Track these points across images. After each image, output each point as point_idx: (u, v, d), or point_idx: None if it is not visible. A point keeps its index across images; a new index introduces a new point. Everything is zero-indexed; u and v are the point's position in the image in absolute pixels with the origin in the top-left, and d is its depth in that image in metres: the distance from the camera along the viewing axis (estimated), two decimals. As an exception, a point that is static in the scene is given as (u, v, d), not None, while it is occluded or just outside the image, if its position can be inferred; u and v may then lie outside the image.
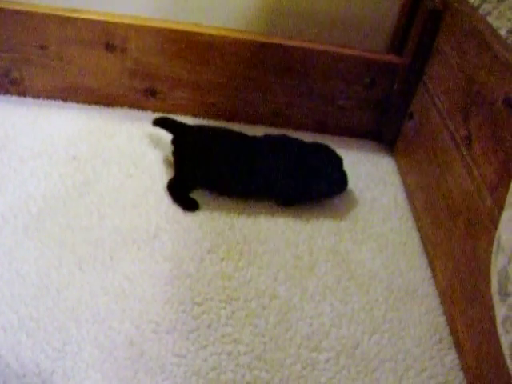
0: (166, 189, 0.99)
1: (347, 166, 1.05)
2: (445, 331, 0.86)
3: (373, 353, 0.82)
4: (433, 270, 0.94)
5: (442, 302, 0.90)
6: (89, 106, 1.14)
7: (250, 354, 0.79)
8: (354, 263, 0.94)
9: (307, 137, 1.16)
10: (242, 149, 0.98)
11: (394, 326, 0.86)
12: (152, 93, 1.12)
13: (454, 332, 0.85)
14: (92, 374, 0.74)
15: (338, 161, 1.01)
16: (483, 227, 0.80)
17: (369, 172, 1.11)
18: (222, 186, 0.99)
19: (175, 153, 1.00)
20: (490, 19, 0.90)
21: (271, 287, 0.88)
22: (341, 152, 1.10)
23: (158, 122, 1.03)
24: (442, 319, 0.88)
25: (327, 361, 0.80)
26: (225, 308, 0.84)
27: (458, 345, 0.84)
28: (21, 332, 0.77)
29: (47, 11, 1.04)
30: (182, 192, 0.98)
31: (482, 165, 0.83)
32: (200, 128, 1.04)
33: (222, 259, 0.90)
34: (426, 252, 0.97)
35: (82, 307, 0.81)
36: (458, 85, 0.91)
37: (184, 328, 0.80)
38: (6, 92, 1.12)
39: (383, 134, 1.16)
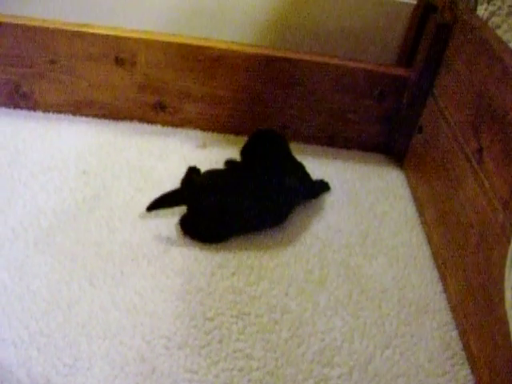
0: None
1: (356, 179, 1.05)
2: (457, 346, 0.85)
3: (385, 368, 0.81)
4: (444, 285, 0.93)
5: (454, 317, 0.89)
6: (98, 120, 1.14)
7: (262, 370, 0.78)
8: (365, 277, 0.93)
9: (317, 150, 1.17)
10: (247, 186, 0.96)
11: (407, 340, 0.85)
12: (161, 107, 1.12)
13: (466, 347, 0.84)
14: (103, 390, 0.74)
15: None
16: (495, 241, 0.80)
17: (378, 185, 1.11)
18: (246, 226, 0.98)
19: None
20: (499, 32, 0.91)
21: (282, 302, 0.87)
22: (350, 166, 1.10)
23: (153, 207, 0.97)
24: (455, 334, 0.87)
25: (340, 376, 0.79)
26: (236, 323, 0.83)
27: (471, 360, 0.83)
28: (32, 347, 0.76)
29: (57, 26, 1.04)
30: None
31: (493, 178, 0.83)
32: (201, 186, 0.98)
33: (233, 274, 0.90)
34: (437, 266, 0.96)
35: (93, 322, 0.80)
36: (469, 98, 0.91)
37: (196, 343, 0.80)
38: (16, 106, 1.12)
39: (392, 147, 1.16)
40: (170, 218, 0.97)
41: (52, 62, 1.07)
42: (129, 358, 0.77)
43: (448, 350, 0.85)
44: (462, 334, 0.86)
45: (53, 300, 0.82)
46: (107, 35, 1.05)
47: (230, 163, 1.09)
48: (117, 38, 1.05)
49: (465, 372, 0.82)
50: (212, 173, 1.00)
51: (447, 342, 0.86)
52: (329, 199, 1.06)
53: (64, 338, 0.78)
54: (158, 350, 0.79)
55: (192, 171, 1.04)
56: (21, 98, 1.11)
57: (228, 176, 0.99)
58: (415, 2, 1.06)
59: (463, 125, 0.92)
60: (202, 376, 0.77)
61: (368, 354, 0.82)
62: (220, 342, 0.81)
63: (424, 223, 1.03)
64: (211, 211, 0.92)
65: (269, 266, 0.92)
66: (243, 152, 1.06)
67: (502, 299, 0.76)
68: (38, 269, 0.86)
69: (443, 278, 0.94)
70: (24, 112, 1.13)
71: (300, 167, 1.05)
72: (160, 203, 0.95)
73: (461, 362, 0.84)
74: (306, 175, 1.04)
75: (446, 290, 0.93)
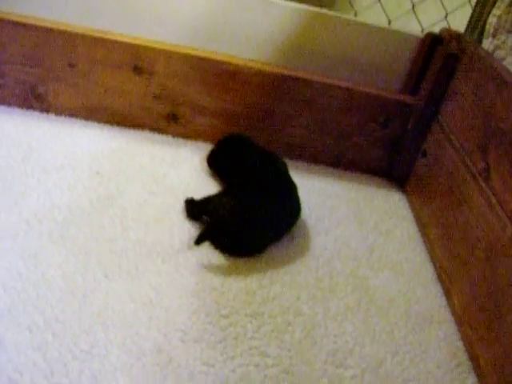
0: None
1: (361, 199, 1.09)
2: (463, 356, 0.88)
3: (396, 372, 0.82)
4: (448, 298, 0.96)
5: (459, 329, 0.91)
6: (110, 126, 1.16)
7: (277, 367, 0.79)
8: (373, 288, 0.96)
9: (321, 170, 1.20)
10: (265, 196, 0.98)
11: (415, 348, 0.87)
12: (174, 118, 1.15)
13: (473, 357, 0.87)
14: (120, 378, 0.72)
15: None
16: (503, 254, 0.84)
17: (381, 206, 1.15)
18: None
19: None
20: (504, 63, 0.97)
21: (295, 305, 0.88)
22: (354, 186, 1.14)
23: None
24: (460, 344, 0.90)
25: (353, 377, 0.80)
26: (251, 322, 0.84)
27: (477, 369, 0.85)
28: (47, 333, 0.75)
29: (79, 31, 1.07)
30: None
31: (501, 194, 0.87)
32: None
33: (246, 276, 0.91)
34: (441, 281, 0.99)
35: (109, 313, 0.80)
36: (476, 121, 0.97)
37: (211, 338, 0.80)
38: (30, 107, 1.13)
39: (395, 171, 1.21)
40: (183, 221, 0.98)
41: (70, 65, 1.09)
42: (145, 349, 0.77)
43: (455, 358, 0.87)
44: (468, 345, 0.88)
45: (68, 289, 0.81)
46: (128, 43, 1.08)
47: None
48: (137, 47, 1.08)
49: (472, 380, 0.84)
50: (220, 195, 1.02)
51: (453, 352, 0.88)
52: (335, 215, 1.09)
53: (80, 325, 0.77)
54: (174, 343, 0.78)
55: (191, 203, 1.01)
56: (35, 100, 1.12)
57: (236, 191, 1.01)
58: (421, 35, 1.13)
59: (470, 146, 0.97)
60: (219, 370, 0.77)
61: (379, 358, 0.84)
62: (235, 338, 0.81)
63: (427, 242, 1.07)
64: (247, 224, 0.94)
65: (280, 272, 0.94)
66: (213, 160, 1.10)
67: (509, 309, 0.80)
68: (53, 259, 0.85)
69: (447, 292, 0.97)
70: (37, 113, 1.14)
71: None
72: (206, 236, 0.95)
73: (467, 370, 0.86)
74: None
75: (450, 303, 0.96)
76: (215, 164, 1.11)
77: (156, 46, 1.08)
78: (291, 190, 1.01)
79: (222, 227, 0.93)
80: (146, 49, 1.08)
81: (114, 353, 0.75)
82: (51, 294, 0.80)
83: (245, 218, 0.93)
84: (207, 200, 0.99)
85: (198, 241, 0.92)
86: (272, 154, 1.07)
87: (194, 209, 0.99)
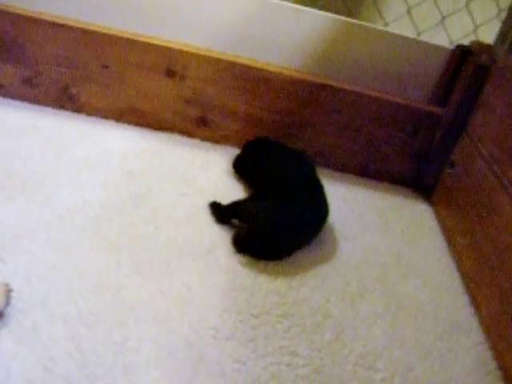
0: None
1: (387, 208, 1.10)
2: (492, 365, 0.87)
3: (426, 377, 0.82)
4: (476, 307, 0.96)
5: (488, 338, 0.91)
6: (140, 128, 1.17)
7: (308, 367, 0.79)
8: (401, 294, 0.95)
9: (347, 179, 1.21)
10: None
11: (444, 354, 0.87)
12: (204, 122, 1.16)
13: (502, 366, 0.86)
14: (152, 371, 0.73)
15: None
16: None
17: (407, 216, 1.15)
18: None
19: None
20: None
21: (324, 307, 0.89)
22: (380, 195, 1.15)
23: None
24: (489, 353, 0.89)
25: (382, 380, 0.80)
26: (281, 322, 0.84)
27: (507, 379, 0.84)
28: (80, 324, 0.76)
29: (114, 33, 1.09)
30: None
31: (533, 203, 0.87)
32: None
33: (275, 278, 0.91)
34: (469, 290, 0.99)
35: (141, 307, 0.80)
36: (507, 132, 0.97)
37: (243, 337, 0.80)
38: (62, 107, 1.15)
39: (421, 181, 1.21)
40: (213, 222, 0.98)
41: (104, 66, 1.11)
42: (177, 344, 0.77)
43: (484, 367, 0.86)
44: (498, 354, 0.88)
45: (100, 283, 0.82)
46: (161, 46, 1.09)
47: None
48: (170, 50, 1.09)
49: (502, 388, 0.84)
50: (250, 199, 1.03)
51: (482, 360, 0.88)
52: (362, 222, 1.09)
53: (113, 318, 0.77)
54: (206, 340, 0.78)
55: (218, 207, 1.01)
56: (67, 100, 1.14)
57: (267, 195, 1.01)
58: (450, 47, 1.14)
59: (500, 156, 0.98)
60: (251, 367, 0.76)
61: (408, 363, 0.84)
62: (266, 337, 0.81)
63: (453, 251, 1.07)
64: (279, 228, 0.94)
65: (308, 275, 0.94)
66: (239, 165, 1.11)
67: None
68: (85, 253, 0.86)
69: (475, 301, 0.97)
70: (69, 113, 1.15)
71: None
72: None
73: (497, 379, 0.85)
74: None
75: (478, 312, 0.95)
76: (241, 168, 1.12)
77: (189, 49, 1.10)
78: (320, 192, 1.01)
79: (262, 234, 0.93)
80: (179, 52, 1.10)
81: (147, 346, 0.75)
82: (84, 286, 0.81)
83: (283, 225, 0.93)
84: (236, 204, 0.99)
85: (242, 250, 0.93)
86: (299, 154, 1.08)
87: (223, 213, 1.00)
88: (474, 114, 1.09)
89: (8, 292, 0.75)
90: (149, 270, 0.86)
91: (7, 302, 0.74)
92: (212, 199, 1.02)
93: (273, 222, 0.93)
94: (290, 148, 1.10)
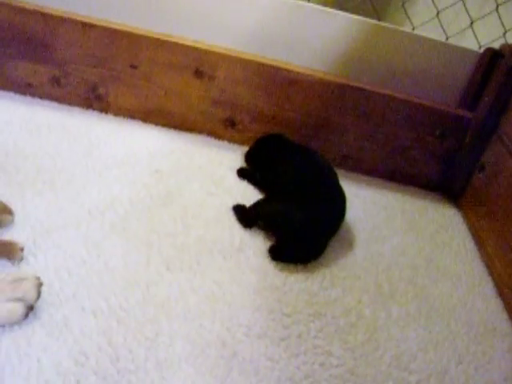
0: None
1: (416, 211, 1.09)
2: (529, 370, 0.85)
3: (462, 380, 0.81)
4: (510, 312, 0.94)
5: (523, 342, 0.89)
6: (168, 129, 1.16)
7: (342, 367, 0.77)
8: (433, 297, 0.94)
9: (375, 183, 1.20)
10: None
11: (479, 358, 0.85)
12: (231, 123, 1.15)
13: (539, 371, 0.84)
14: (185, 367, 0.71)
15: None
16: None
17: (436, 219, 1.14)
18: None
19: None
20: None
21: (357, 308, 0.87)
22: (408, 199, 1.14)
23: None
24: (525, 359, 0.87)
25: (418, 382, 0.79)
26: (313, 322, 0.83)
27: (544, 383, 0.82)
28: (111, 319, 0.75)
29: (142, 33, 1.09)
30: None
31: None
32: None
33: (307, 278, 0.90)
34: (502, 294, 0.97)
35: (172, 304, 0.79)
36: (541, 133, 0.96)
37: (275, 335, 0.79)
38: (89, 107, 1.15)
39: (450, 185, 1.19)
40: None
41: (132, 66, 1.10)
42: (209, 341, 0.76)
43: (521, 372, 0.85)
44: (533, 358, 0.86)
45: (131, 279, 0.81)
46: (190, 46, 1.09)
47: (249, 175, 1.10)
48: (199, 51, 1.09)
49: (540, 394, 0.82)
50: (269, 201, 1.01)
51: (519, 365, 0.86)
52: (391, 225, 1.08)
53: (144, 314, 0.77)
54: (239, 337, 0.77)
55: (241, 208, 1.00)
56: (95, 99, 1.14)
57: (290, 196, 0.99)
58: (479, 51, 1.13)
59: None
60: (284, 366, 0.75)
61: (443, 365, 0.82)
62: (299, 337, 0.80)
63: (484, 255, 1.05)
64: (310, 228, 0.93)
65: (340, 275, 0.93)
66: (251, 157, 1.11)
67: None
68: (115, 249, 0.85)
69: (509, 306, 0.95)
70: (96, 113, 1.15)
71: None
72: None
73: (533, 384, 0.83)
74: None
75: (511, 317, 0.93)
76: (253, 162, 1.11)
77: (218, 50, 1.10)
78: (336, 187, 1.00)
79: (295, 240, 0.93)
80: (208, 53, 1.09)
81: (179, 343, 0.74)
82: (115, 282, 0.80)
83: (312, 227, 0.92)
84: (259, 207, 0.98)
85: (277, 257, 0.92)
86: (312, 151, 1.07)
87: (247, 217, 0.98)
88: (505, 117, 1.08)
89: (39, 285, 0.74)
90: (179, 267, 0.85)
91: (38, 296, 0.73)
92: (240, 199, 1.01)
93: (302, 225, 0.92)
94: (302, 146, 1.09)
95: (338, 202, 0.98)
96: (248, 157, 1.12)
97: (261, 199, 1.00)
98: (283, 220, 0.93)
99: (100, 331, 0.73)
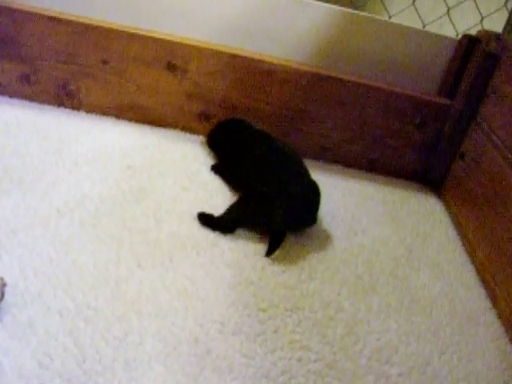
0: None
1: (397, 201, 1.07)
2: (513, 359, 0.83)
3: (444, 371, 0.78)
4: (493, 300, 0.92)
5: (507, 331, 0.87)
6: (141, 125, 1.14)
7: (320, 362, 0.74)
8: (414, 288, 0.92)
9: (356, 174, 1.17)
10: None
11: (462, 348, 0.82)
12: (206, 117, 1.13)
13: (524, 359, 0.82)
14: (155, 367, 0.68)
15: None
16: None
17: (418, 209, 1.12)
18: None
19: None
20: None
21: (336, 301, 0.84)
22: (389, 189, 1.11)
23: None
24: (509, 348, 0.85)
25: (400, 375, 0.76)
26: (290, 316, 0.80)
27: (530, 372, 0.80)
28: (78, 318, 0.72)
29: (113, 27, 1.06)
30: None
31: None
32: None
33: (284, 271, 0.87)
34: (484, 282, 0.95)
35: (143, 301, 0.76)
36: (520, 117, 0.94)
37: (250, 331, 0.76)
38: (61, 104, 1.12)
39: (431, 174, 1.17)
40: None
41: (103, 62, 1.08)
42: (181, 339, 0.73)
43: (504, 361, 0.82)
44: (518, 347, 0.84)
45: (100, 277, 0.78)
46: (162, 39, 1.07)
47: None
48: (171, 44, 1.07)
49: (525, 383, 0.79)
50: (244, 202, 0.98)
51: (502, 354, 0.84)
52: (371, 216, 1.06)
53: (113, 312, 0.74)
54: (212, 334, 0.74)
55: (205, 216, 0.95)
56: (66, 97, 1.11)
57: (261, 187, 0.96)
58: (457, 38, 1.12)
59: (514, 143, 0.95)
60: (259, 362, 0.72)
61: (425, 357, 0.79)
62: (275, 332, 0.77)
63: (466, 244, 1.03)
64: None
65: (319, 268, 0.90)
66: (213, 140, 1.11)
67: None
68: (84, 247, 0.82)
69: (492, 293, 0.93)
70: (68, 110, 1.12)
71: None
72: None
73: (519, 373, 0.81)
74: None
75: (495, 305, 0.91)
76: (214, 146, 1.10)
77: (190, 42, 1.07)
78: (302, 165, 0.99)
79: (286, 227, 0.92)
80: (180, 45, 1.07)
81: (149, 341, 0.71)
82: (83, 280, 0.77)
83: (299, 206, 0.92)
84: (233, 209, 0.94)
85: (270, 252, 0.90)
86: (269, 135, 1.05)
87: (228, 223, 0.93)
88: (484, 104, 1.06)
89: (2, 286, 0.71)
90: (151, 263, 0.82)
91: (1, 297, 0.70)
92: (215, 194, 0.99)
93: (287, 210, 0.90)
94: (262, 131, 1.07)
95: (309, 178, 0.97)
96: (209, 140, 1.11)
97: (233, 203, 0.96)
98: (265, 215, 0.91)
99: (66, 331, 0.70)
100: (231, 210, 0.94)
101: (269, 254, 0.89)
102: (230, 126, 1.08)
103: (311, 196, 0.95)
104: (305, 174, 0.97)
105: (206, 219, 0.93)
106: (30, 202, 0.88)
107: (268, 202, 0.90)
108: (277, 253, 0.90)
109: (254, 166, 0.97)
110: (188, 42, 1.07)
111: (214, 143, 1.10)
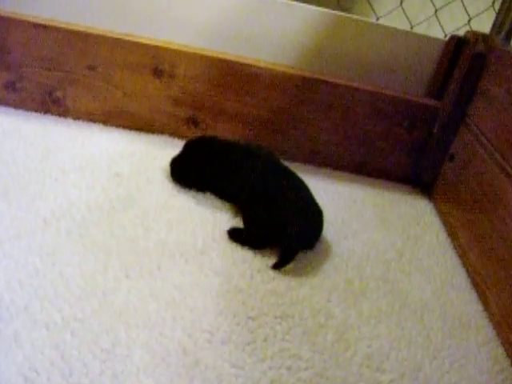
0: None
1: (387, 204, 1.06)
2: (505, 362, 0.83)
3: (436, 377, 0.77)
4: (485, 303, 0.91)
5: (499, 334, 0.86)
6: (129, 131, 1.13)
7: (310, 370, 0.74)
8: (405, 292, 0.91)
9: (345, 177, 1.17)
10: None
11: (454, 353, 0.82)
12: (194, 122, 1.12)
13: (515, 363, 0.82)
14: (143, 379, 0.68)
15: None
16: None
17: (408, 212, 1.11)
18: None
19: None
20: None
21: (326, 307, 0.84)
22: (379, 192, 1.11)
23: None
24: (501, 350, 0.84)
25: (391, 381, 0.75)
26: (280, 324, 0.79)
27: (521, 375, 0.80)
28: (65, 331, 0.71)
29: (99, 32, 1.05)
30: None
31: (540, 190, 0.83)
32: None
33: (273, 278, 0.87)
34: (475, 285, 0.95)
35: (131, 312, 0.75)
36: (509, 119, 0.93)
37: (240, 340, 0.75)
38: (47, 111, 1.11)
39: (420, 176, 1.17)
40: (206, 222, 0.94)
41: (90, 68, 1.07)
42: (170, 349, 0.72)
43: (496, 364, 0.82)
44: (510, 351, 0.83)
45: (87, 288, 0.77)
46: (148, 45, 1.06)
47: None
48: (157, 49, 1.06)
49: (517, 387, 0.79)
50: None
51: (495, 357, 0.83)
52: (361, 220, 1.05)
53: (100, 324, 0.73)
54: (201, 344, 0.74)
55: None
56: (52, 103, 1.10)
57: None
58: (445, 39, 1.11)
59: (503, 145, 0.94)
60: (249, 372, 0.72)
61: (417, 362, 0.79)
62: (265, 340, 0.76)
63: (457, 246, 1.03)
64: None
65: (308, 274, 0.89)
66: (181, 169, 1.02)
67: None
68: (71, 257, 0.81)
69: (483, 296, 0.92)
70: (54, 118, 1.11)
71: None
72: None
73: (510, 377, 0.80)
74: None
75: (486, 308, 0.91)
76: (183, 173, 1.02)
77: (177, 47, 1.06)
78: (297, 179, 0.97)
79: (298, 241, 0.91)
80: (167, 51, 1.06)
81: (137, 353, 0.70)
82: (69, 292, 0.76)
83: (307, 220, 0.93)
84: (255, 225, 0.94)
85: (280, 266, 0.89)
86: (257, 148, 1.01)
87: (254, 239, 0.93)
88: (472, 105, 1.06)
89: (-12, 299, 0.70)
90: (139, 272, 0.82)
91: (-13, 310, 0.70)
92: (203, 200, 0.98)
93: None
94: (242, 144, 1.01)
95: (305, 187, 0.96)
96: (176, 164, 1.02)
97: (247, 220, 0.95)
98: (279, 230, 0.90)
99: (52, 345, 0.69)
100: (254, 226, 0.94)
101: (278, 267, 0.88)
102: (204, 144, 1.01)
103: (321, 216, 0.95)
104: (311, 193, 0.96)
105: (236, 234, 0.93)
106: (16, 211, 0.87)
107: (284, 217, 0.90)
108: (266, 260, 0.89)
109: (256, 183, 0.95)
110: (175, 46, 1.06)
111: (185, 166, 1.02)
